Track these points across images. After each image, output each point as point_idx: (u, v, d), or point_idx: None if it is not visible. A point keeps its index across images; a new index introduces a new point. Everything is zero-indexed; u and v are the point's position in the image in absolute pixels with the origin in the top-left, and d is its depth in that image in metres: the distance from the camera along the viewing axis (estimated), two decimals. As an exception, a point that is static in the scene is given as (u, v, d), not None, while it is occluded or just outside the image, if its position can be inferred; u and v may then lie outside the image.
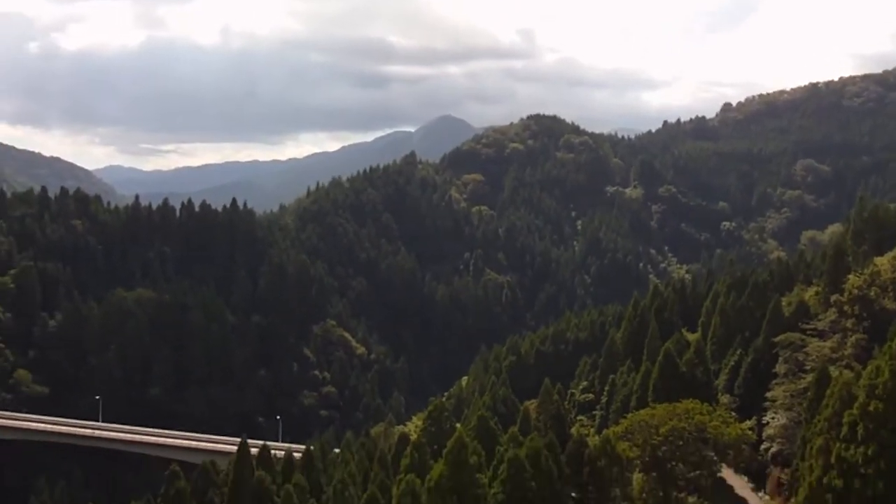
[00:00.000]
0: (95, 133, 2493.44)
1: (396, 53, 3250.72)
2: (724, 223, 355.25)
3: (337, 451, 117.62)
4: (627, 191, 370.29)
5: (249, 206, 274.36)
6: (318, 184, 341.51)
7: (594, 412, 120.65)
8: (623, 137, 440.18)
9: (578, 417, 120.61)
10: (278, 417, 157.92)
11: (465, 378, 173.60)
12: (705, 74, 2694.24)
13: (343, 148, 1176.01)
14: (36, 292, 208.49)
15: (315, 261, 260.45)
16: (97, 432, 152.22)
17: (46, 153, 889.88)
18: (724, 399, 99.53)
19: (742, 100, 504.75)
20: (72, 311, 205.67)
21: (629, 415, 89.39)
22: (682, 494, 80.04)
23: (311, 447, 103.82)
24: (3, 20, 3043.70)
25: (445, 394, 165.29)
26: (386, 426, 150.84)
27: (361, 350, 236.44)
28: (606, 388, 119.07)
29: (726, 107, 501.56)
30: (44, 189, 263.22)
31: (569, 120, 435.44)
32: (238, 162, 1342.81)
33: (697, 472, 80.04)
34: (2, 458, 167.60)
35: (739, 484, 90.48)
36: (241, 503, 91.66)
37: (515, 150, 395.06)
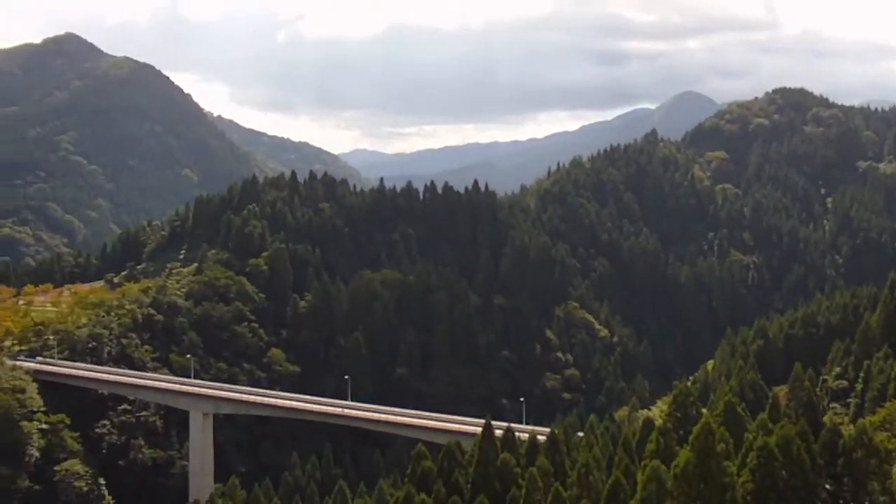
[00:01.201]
0: (341, 118, 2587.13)
1: (635, 29, 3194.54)
2: None
3: (580, 434, 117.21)
4: (881, 165, 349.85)
5: (490, 187, 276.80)
6: (558, 164, 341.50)
7: (848, 400, 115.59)
8: (875, 109, 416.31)
9: (831, 405, 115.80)
10: (522, 399, 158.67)
11: (711, 362, 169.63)
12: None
13: (583, 127, 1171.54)
14: (287, 274, 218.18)
15: (557, 242, 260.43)
16: (346, 411, 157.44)
17: (295, 138, 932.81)
18: None
19: None
20: (321, 292, 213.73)
21: (887, 403, 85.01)
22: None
23: (555, 430, 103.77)
24: (251, 11, 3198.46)
25: (690, 378, 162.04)
26: (630, 410, 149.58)
27: (604, 332, 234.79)
28: (861, 375, 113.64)
29: None
30: (293, 174, 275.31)
31: (816, 93, 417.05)
32: (478, 143, 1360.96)
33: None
34: (258, 435, 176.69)
35: None
36: (485, 484, 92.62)
37: (760, 125, 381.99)
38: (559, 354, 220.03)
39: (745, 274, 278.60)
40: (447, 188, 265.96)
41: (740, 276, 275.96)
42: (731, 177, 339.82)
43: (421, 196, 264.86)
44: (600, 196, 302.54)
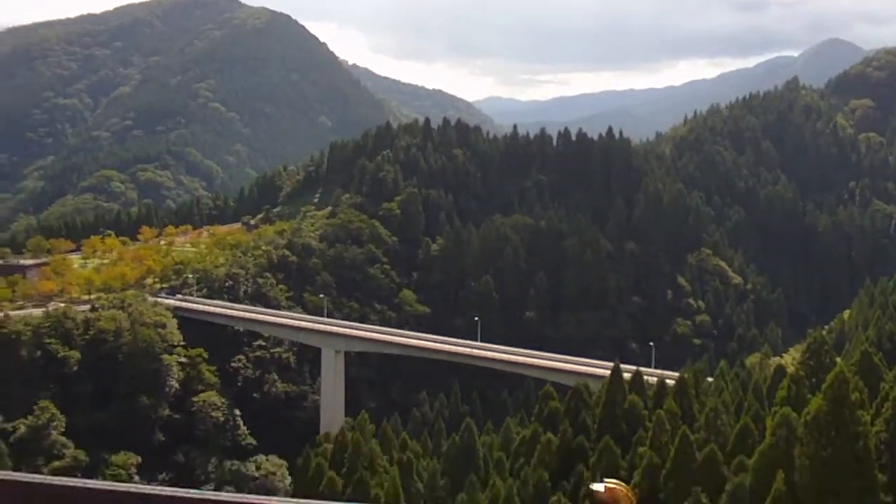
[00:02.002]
0: (475, 65, 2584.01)
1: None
2: None
3: (710, 379, 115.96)
4: None
5: (624, 134, 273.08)
6: (695, 112, 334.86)
7: None
8: None
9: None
10: (651, 344, 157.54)
11: (847, 311, 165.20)
12: None
13: (721, 75, 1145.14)
14: (420, 218, 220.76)
15: (691, 190, 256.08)
16: (475, 351, 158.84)
17: (429, 86, 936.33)
18: None
19: None
20: (452, 236, 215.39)
21: None
22: None
23: (685, 374, 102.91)
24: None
25: (825, 327, 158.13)
26: (762, 357, 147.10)
27: (737, 280, 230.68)
28: None
29: None
30: (427, 120, 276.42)
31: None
32: (613, 90, 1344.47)
33: None
34: (388, 373, 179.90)
35: None
36: (612, 425, 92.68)
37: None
38: (690, 301, 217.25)
39: (887, 224, 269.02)
40: (581, 135, 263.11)
41: (882, 225, 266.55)
42: (876, 125, 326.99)
43: (554, 143, 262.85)
44: (737, 144, 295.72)
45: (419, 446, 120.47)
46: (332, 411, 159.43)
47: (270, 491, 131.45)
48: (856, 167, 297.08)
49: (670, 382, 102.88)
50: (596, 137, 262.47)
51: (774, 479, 69.45)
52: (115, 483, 28.83)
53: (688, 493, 74.08)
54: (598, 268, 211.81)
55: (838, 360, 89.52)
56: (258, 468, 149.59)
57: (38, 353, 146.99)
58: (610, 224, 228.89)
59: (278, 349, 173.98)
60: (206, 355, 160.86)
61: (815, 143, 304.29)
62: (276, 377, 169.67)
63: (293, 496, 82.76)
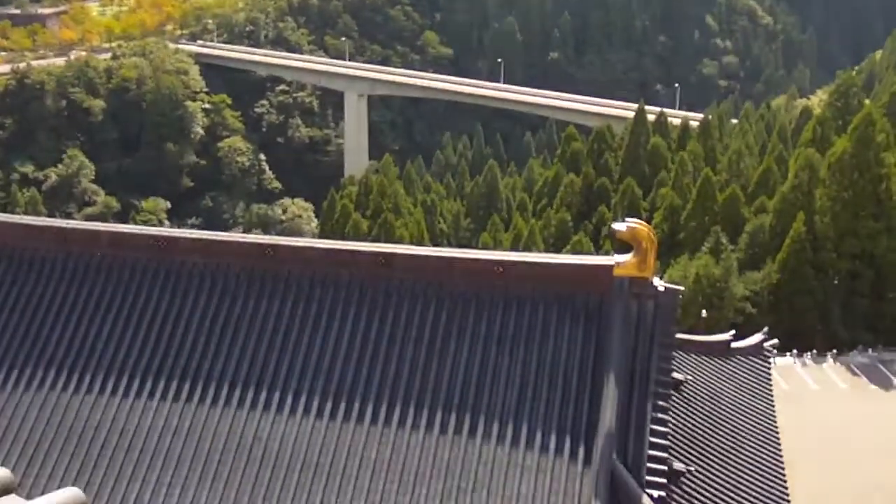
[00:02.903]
0: None
1: None
2: None
3: (735, 121, 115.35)
4: None
5: None
6: None
7: None
8: None
9: None
10: (676, 85, 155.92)
11: (879, 52, 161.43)
12: None
13: None
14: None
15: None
16: (498, 93, 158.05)
17: None
18: None
19: None
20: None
21: None
22: None
23: (709, 116, 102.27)
24: None
25: (856, 68, 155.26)
26: (788, 99, 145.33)
27: (767, 20, 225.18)
28: None
29: None
30: None
31: None
32: None
33: None
34: (412, 116, 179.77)
35: None
36: (635, 167, 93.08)
37: None
38: (718, 41, 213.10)
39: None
40: None
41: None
42: None
43: None
44: None
45: (443, 188, 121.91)
46: (355, 155, 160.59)
47: (297, 233, 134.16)
48: None
49: (694, 124, 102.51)
50: None
51: (794, 220, 70.15)
52: (146, 227, 29.48)
53: (708, 233, 75.08)
54: (624, 6, 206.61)
55: (866, 101, 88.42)
56: (285, 211, 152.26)
57: (63, 102, 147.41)
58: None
59: (301, 94, 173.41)
60: (229, 101, 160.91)
61: None
62: (299, 122, 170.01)
63: (320, 238, 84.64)
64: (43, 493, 4.78)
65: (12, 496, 4.80)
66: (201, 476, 17.37)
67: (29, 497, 4.72)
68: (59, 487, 16.77)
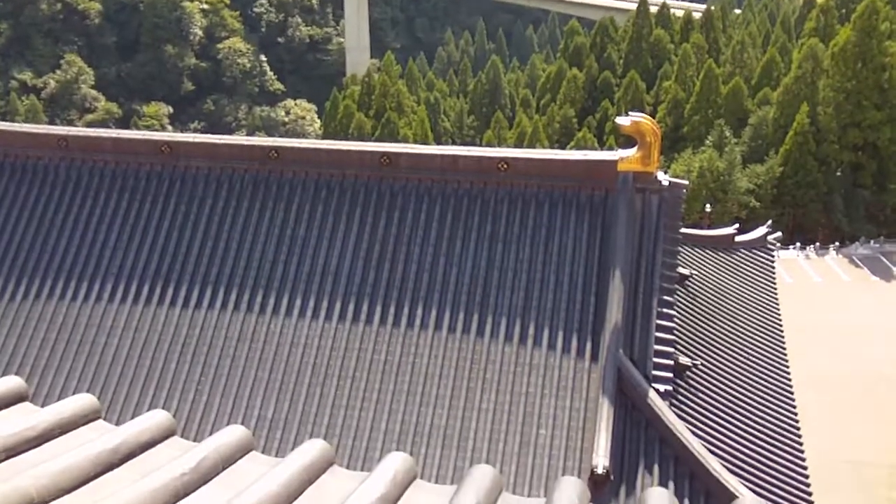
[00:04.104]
0: None
1: None
2: None
3: (738, 11, 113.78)
4: None
5: None
6: None
7: None
8: None
9: None
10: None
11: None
12: None
13: None
14: None
15: None
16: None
17: None
18: None
19: None
20: None
21: None
22: None
23: (712, 7, 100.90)
24: None
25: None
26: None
27: None
28: None
29: None
30: None
31: None
32: None
33: None
34: (413, 13, 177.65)
35: None
36: (638, 60, 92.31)
37: None
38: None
39: None
40: None
41: None
42: None
43: None
44: None
45: (445, 85, 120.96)
46: (357, 53, 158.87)
47: (300, 135, 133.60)
48: None
49: (697, 15, 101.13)
50: None
51: (798, 112, 69.86)
52: (148, 132, 29.32)
53: (711, 126, 74.84)
54: None
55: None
56: (287, 113, 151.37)
57: (59, 5, 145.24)
58: None
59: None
60: (227, 1, 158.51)
61: None
62: (299, 20, 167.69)
63: (323, 139, 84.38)
64: (57, 401, 4.84)
65: (26, 403, 4.87)
66: (213, 380, 17.64)
67: (43, 405, 4.79)
68: (72, 395, 17.09)
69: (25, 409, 4.84)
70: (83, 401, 4.76)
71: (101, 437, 4.38)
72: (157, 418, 4.67)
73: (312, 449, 4.52)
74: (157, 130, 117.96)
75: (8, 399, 4.81)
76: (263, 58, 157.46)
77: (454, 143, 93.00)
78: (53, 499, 3.82)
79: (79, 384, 17.93)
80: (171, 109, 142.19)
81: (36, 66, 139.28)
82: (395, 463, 4.35)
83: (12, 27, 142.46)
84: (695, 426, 17.66)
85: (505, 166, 19.04)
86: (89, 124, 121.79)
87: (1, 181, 20.96)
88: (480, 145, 78.52)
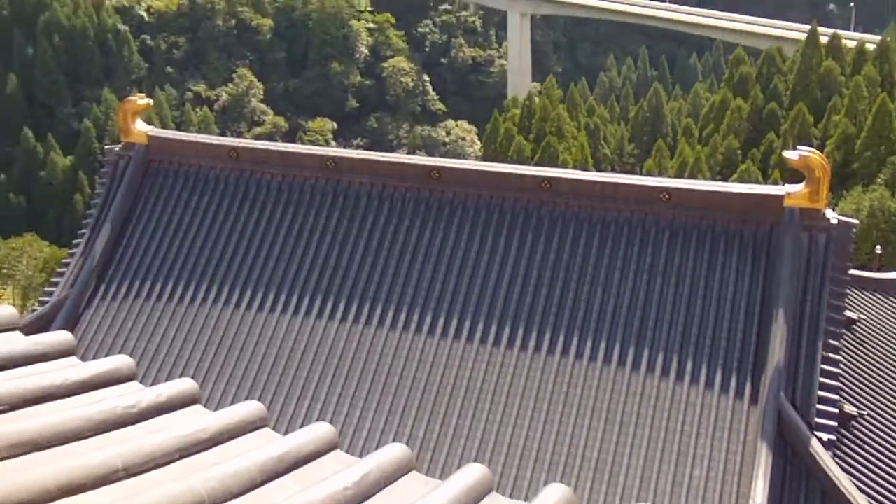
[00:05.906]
0: None
1: None
2: None
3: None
4: None
5: None
6: None
7: None
8: None
9: None
10: (851, 4, 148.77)
11: None
12: None
13: None
14: None
15: None
16: (665, 13, 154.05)
17: None
18: None
19: None
20: None
21: None
22: None
23: (887, 38, 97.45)
24: None
25: None
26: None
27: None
28: None
29: None
30: None
31: None
32: None
33: None
34: (575, 37, 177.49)
35: None
36: (806, 91, 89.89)
37: None
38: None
39: None
40: None
41: None
42: None
43: None
44: None
45: (606, 112, 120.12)
46: (518, 76, 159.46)
47: (460, 156, 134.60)
48: None
49: (870, 47, 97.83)
50: None
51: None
52: (313, 147, 30.02)
53: (884, 163, 72.27)
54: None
55: None
56: (448, 133, 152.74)
57: (233, 21, 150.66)
58: None
59: (464, 13, 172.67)
60: (392, 21, 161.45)
61: None
62: (462, 42, 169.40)
63: (482, 161, 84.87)
64: (218, 407, 4.97)
65: (198, 406, 5.01)
66: (367, 396, 17.88)
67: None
68: (231, 399, 17.58)
69: (197, 411, 4.99)
70: (251, 408, 4.87)
71: (268, 445, 4.48)
72: (321, 430, 4.74)
73: (473, 473, 4.52)
74: (321, 145, 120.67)
75: (182, 401, 4.97)
76: (426, 77, 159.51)
77: (614, 170, 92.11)
78: (222, 502, 3.92)
79: (238, 390, 18.44)
80: (335, 125, 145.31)
81: (210, 78, 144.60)
82: (556, 493, 4.32)
83: (190, 41, 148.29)
84: (860, 481, 16.93)
85: (667, 196, 18.77)
86: (257, 137, 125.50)
87: (175, 189, 21.80)
88: (641, 174, 77.70)
